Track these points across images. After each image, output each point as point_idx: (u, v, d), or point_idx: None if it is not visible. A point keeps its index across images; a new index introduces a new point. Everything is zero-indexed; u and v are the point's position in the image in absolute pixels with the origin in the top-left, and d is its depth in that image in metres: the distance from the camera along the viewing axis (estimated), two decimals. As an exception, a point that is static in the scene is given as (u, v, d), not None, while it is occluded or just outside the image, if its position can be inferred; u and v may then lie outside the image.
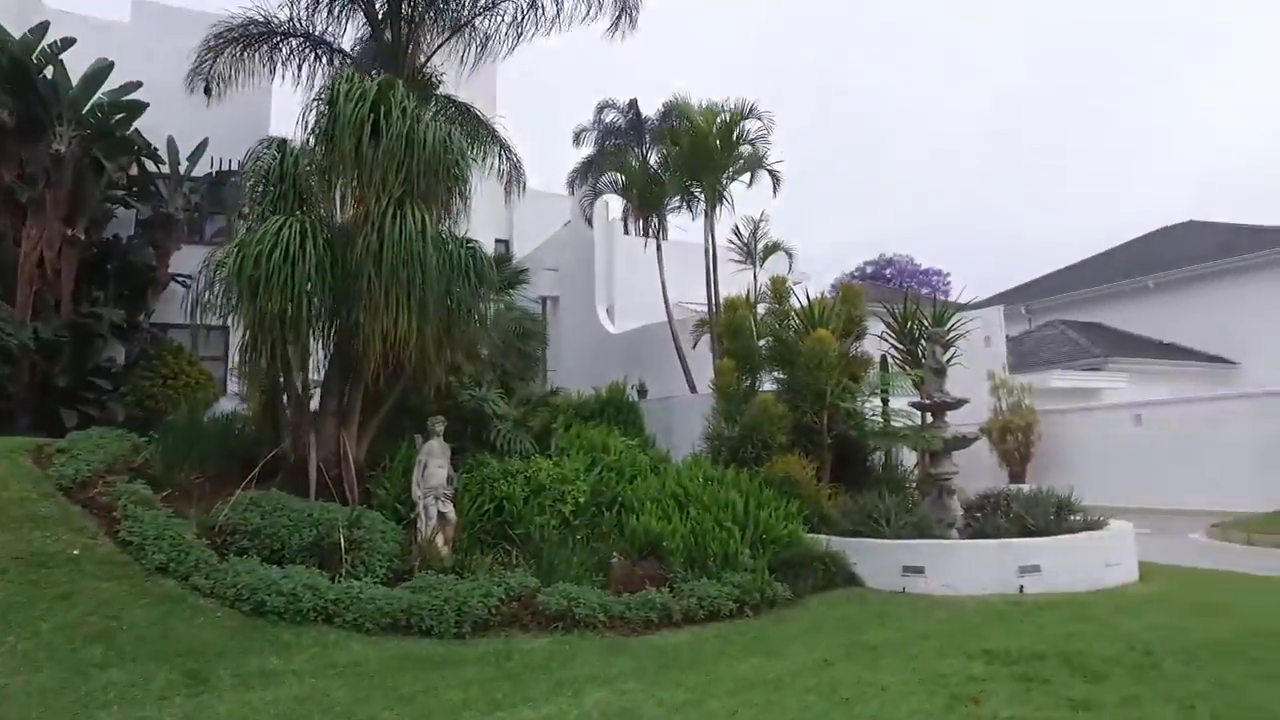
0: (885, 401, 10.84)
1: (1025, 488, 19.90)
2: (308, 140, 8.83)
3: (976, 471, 22.29)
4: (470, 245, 9.14)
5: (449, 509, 8.24)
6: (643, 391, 14.57)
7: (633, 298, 17.98)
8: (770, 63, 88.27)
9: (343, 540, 7.21)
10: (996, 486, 20.83)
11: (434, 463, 8.30)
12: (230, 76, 13.10)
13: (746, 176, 15.90)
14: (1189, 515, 16.37)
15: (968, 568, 7.69)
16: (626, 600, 7.19)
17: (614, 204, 19.64)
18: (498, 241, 24.15)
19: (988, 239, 72.09)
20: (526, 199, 22.69)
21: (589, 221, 16.98)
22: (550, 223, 22.51)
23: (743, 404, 10.00)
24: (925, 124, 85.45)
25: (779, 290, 10.80)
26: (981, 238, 72.64)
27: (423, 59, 13.63)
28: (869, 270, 53.38)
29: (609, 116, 20.42)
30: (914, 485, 10.37)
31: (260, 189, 9.05)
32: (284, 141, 9.22)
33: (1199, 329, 25.38)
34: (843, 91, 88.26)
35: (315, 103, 8.82)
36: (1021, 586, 7.53)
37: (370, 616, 6.32)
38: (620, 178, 14.57)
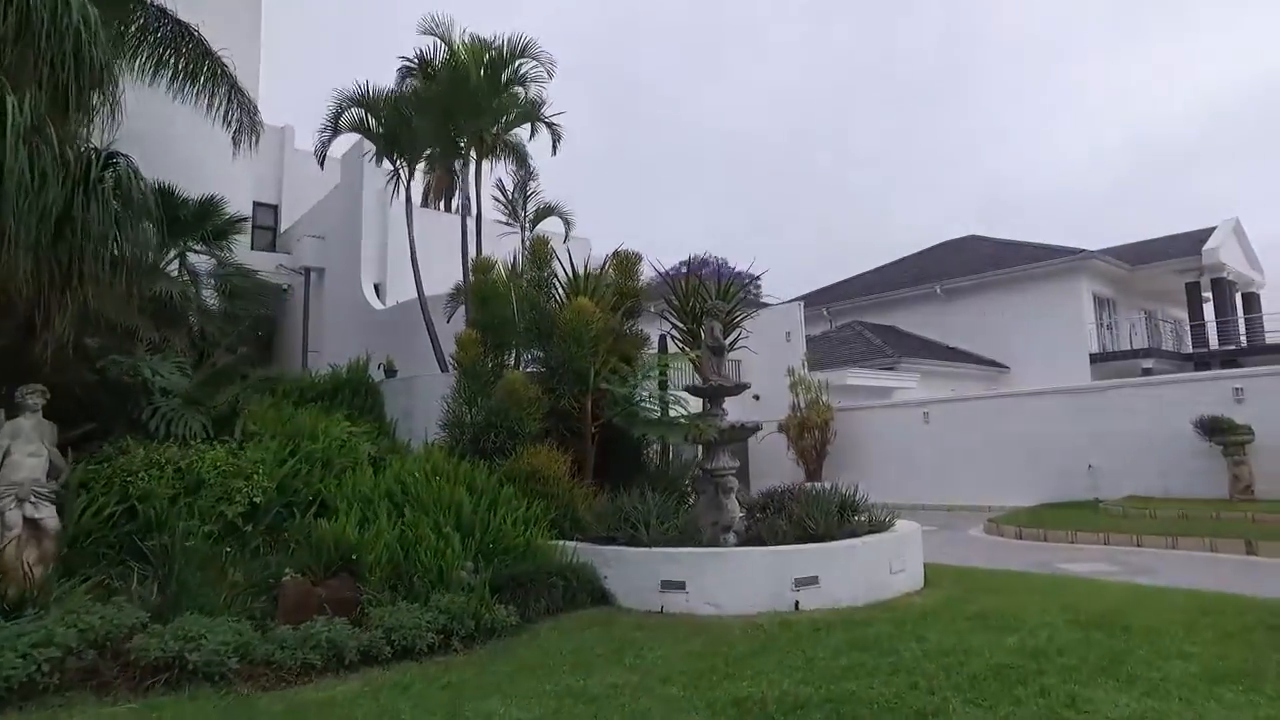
0: (663, 386, 9.50)
1: (821, 485, 19.90)
2: None
3: (775, 469, 22.00)
4: (114, 159, 6.72)
5: (46, 513, 5.84)
6: (390, 371, 12.47)
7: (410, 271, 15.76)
8: (592, 60, 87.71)
9: None
10: (791, 484, 20.58)
11: (22, 450, 5.87)
12: None
13: (525, 129, 14.23)
14: (971, 511, 16.55)
15: (736, 581, 6.35)
16: (283, 637, 5.21)
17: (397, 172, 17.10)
18: (260, 206, 20.94)
19: (803, 248, 75.19)
20: (303, 160, 19.75)
21: (358, 183, 14.45)
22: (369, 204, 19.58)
23: (490, 385, 8.24)
24: (739, 127, 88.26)
25: (540, 253, 9.12)
26: (798, 247, 75.68)
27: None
28: (684, 269, 53.76)
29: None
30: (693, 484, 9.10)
31: None
32: None
33: (978, 334, 26.73)
34: (664, 97, 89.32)
35: None
36: (797, 602, 6.30)
37: None
38: (362, 114, 12.12)
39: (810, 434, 19.26)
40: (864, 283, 33.11)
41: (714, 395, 8.17)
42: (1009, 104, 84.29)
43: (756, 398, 21.87)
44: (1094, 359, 24.42)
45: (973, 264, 28.35)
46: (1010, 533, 12.50)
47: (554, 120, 14.07)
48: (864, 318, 28.72)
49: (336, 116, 11.52)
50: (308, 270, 18.23)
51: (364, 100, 11.33)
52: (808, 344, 27.04)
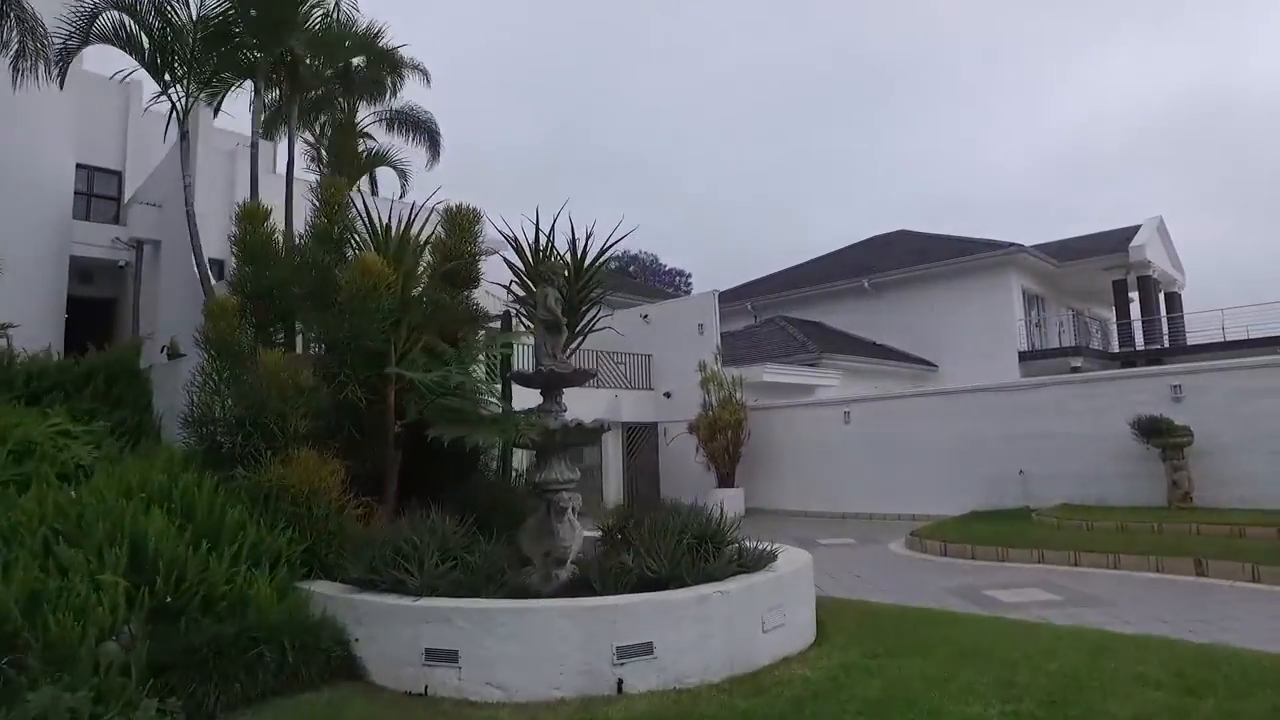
0: (504, 379, 7.51)
1: (731, 493, 18.15)
2: None
3: (684, 475, 20.29)
4: None
5: None
6: (174, 353, 10.11)
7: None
8: (526, 61, 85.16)
9: None
10: (701, 497, 18.74)
11: None
12: None
13: (360, 61, 12.13)
14: (896, 521, 14.99)
15: (533, 651, 4.35)
16: None
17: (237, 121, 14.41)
18: (97, 171, 18.14)
19: (741, 247, 74.13)
20: (158, 123, 17.01)
21: (185, 137, 11.90)
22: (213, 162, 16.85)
23: (250, 368, 6.10)
24: (682, 129, 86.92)
25: (332, 198, 6.96)
26: (736, 246, 74.60)
27: None
28: (613, 265, 52.11)
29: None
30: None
31: None
32: None
33: (907, 332, 25.50)
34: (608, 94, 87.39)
35: None
36: (620, 682, 4.37)
37: None
38: (121, 19, 9.19)
39: (722, 435, 17.49)
40: (790, 277, 31.70)
41: (548, 385, 6.19)
42: (939, 114, 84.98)
43: (667, 395, 20.08)
44: (1023, 357, 23.37)
45: (902, 259, 27.14)
46: (934, 548, 10.88)
47: (405, 55, 11.96)
48: (790, 313, 27.23)
49: (91, 18, 8.89)
50: (139, 243, 15.60)
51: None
52: (729, 339, 25.42)
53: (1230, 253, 61.04)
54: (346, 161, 11.78)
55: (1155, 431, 12.29)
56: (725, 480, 17.67)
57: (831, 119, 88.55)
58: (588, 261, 7.55)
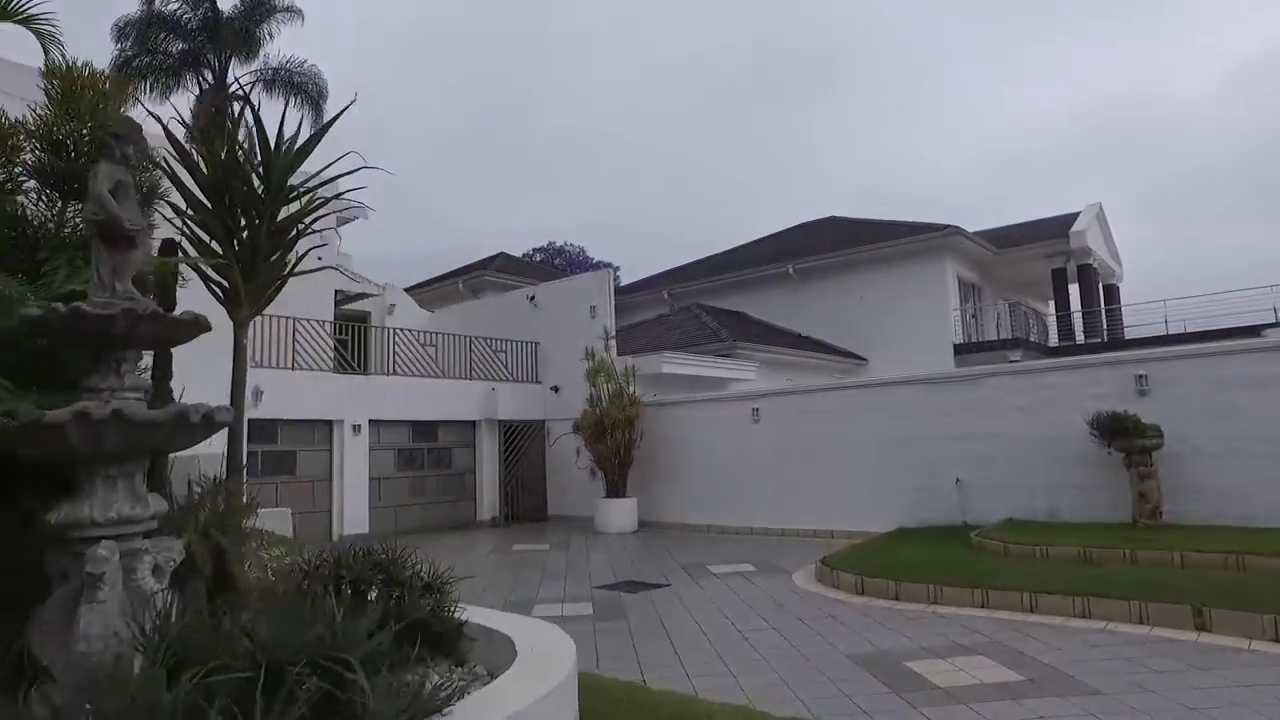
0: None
1: (621, 504, 15.29)
2: None
3: (571, 483, 17.49)
4: None
5: None
6: None
7: None
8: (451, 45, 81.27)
9: None
10: (571, 512, 15.87)
11: None
12: None
13: None
14: (809, 538, 12.46)
15: None
16: None
17: None
18: None
19: (673, 241, 71.78)
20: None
21: None
22: None
23: None
24: (609, 124, 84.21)
25: None
26: (668, 241, 72.27)
27: None
28: (538, 258, 49.22)
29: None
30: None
31: None
32: None
33: (835, 323, 23.22)
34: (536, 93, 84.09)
35: None
36: None
37: None
38: None
39: (611, 436, 14.72)
40: (713, 265, 29.18)
41: (99, 336, 3.22)
42: (878, 110, 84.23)
43: (555, 389, 17.24)
44: (958, 350, 21.27)
45: (831, 244, 24.85)
46: (848, 583, 8.26)
47: None
48: (711, 302, 24.69)
49: None
50: None
51: None
52: (640, 329, 22.77)
53: (1154, 256, 61.33)
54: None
55: (1119, 431, 9.99)
56: (614, 489, 14.92)
57: (763, 115, 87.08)
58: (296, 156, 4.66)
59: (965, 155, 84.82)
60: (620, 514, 14.67)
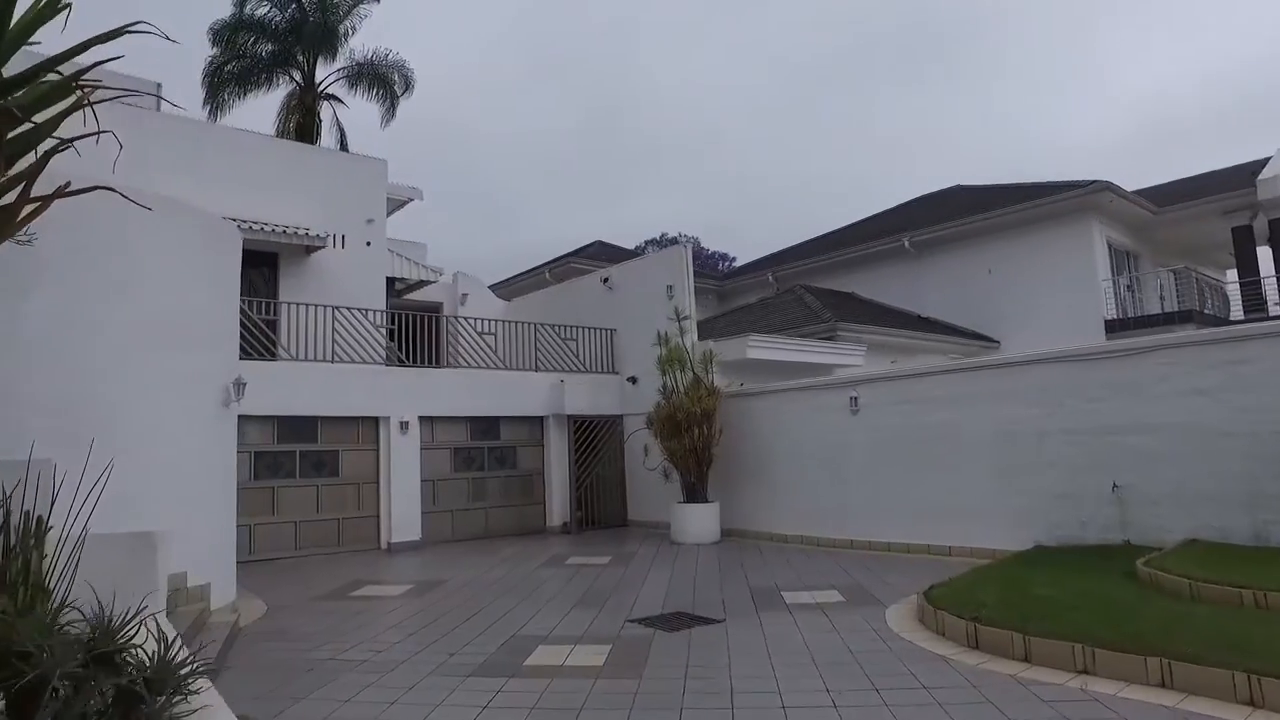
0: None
1: (700, 511, 13.19)
2: None
3: (652, 485, 15.83)
4: None
5: None
6: None
7: None
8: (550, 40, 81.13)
9: None
10: (653, 518, 13.94)
11: None
12: None
13: None
14: (917, 556, 10.15)
15: None
16: None
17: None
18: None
19: (783, 229, 68.80)
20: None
21: None
22: None
23: None
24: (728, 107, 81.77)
25: None
26: (778, 228, 69.36)
27: None
28: (649, 251, 47.86)
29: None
30: None
31: None
32: None
33: (959, 302, 20.28)
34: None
35: None
36: None
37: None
38: None
39: (687, 431, 12.80)
40: (822, 244, 26.59)
41: None
42: (1007, 79, 77.58)
43: (633, 380, 15.46)
44: (1111, 327, 17.92)
45: (954, 214, 21.81)
46: (957, 631, 5.99)
47: None
48: (818, 283, 22.29)
49: None
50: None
51: None
52: (739, 315, 20.73)
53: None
54: None
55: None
56: (692, 493, 12.99)
57: (875, 94, 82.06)
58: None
59: (1109, 123, 76.72)
60: (698, 521, 12.74)
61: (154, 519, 7.05)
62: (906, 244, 21.36)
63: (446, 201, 72.56)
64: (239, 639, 6.99)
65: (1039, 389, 9.67)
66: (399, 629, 7.17)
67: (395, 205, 16.98)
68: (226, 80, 24.54)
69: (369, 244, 14.77)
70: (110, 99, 3.19)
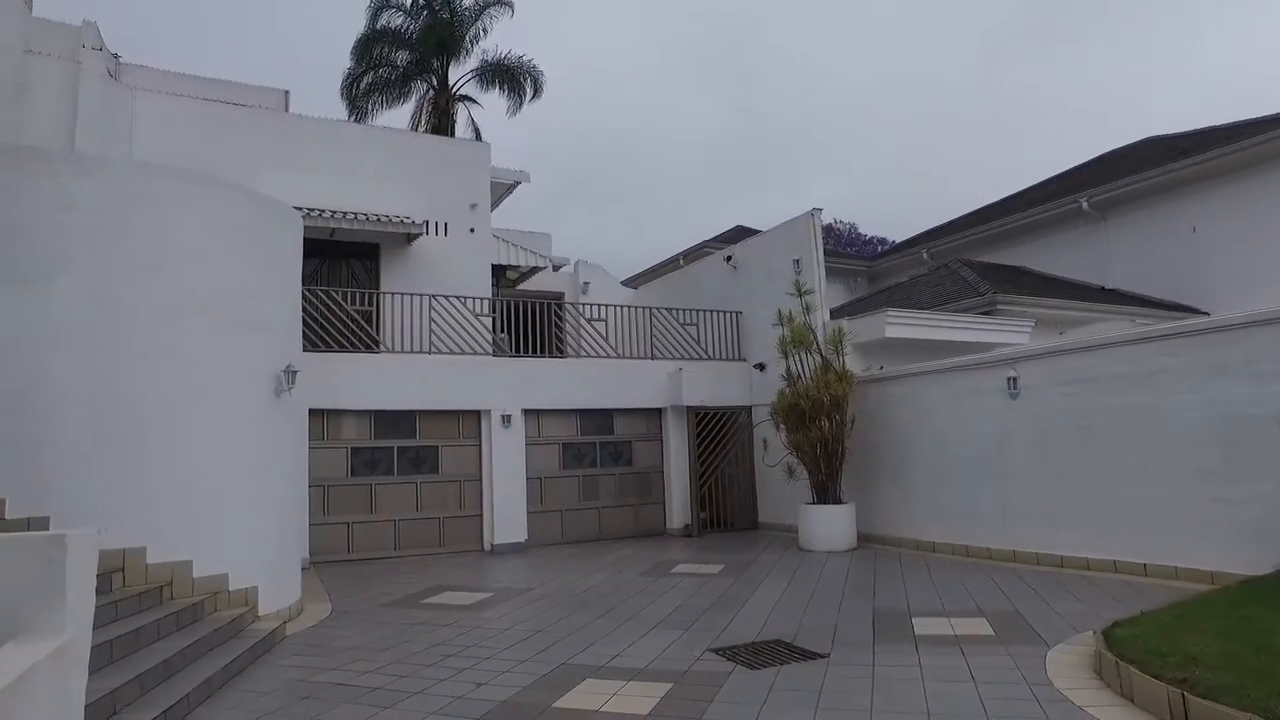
0: None
1: (832, 513, 11.15)
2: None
3: (779, 486, 14.00)
4: None
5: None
6: None
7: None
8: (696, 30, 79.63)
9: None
10: (785, 520, 12.41)
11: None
12: None
13: None
14: (1096, 576, 8.03)
15: None
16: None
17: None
18: None
19: (942, 208, 63.94)
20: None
21: None
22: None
23: None
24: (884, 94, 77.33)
25: None
26: (938, 207, 64.67)
27: None
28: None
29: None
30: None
31: None
32: None
33: (1149, 269, 17.13)
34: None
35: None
36: None
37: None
38: None
39: (815, 423, 11.19)
40: (984, 215, 23.69)
41: None
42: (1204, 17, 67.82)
43: (761, 367, 13.96)
44: (1363, 290, 14.30)
45: (1145, 168, 18.50)
46: (1152, 698, 4.10)
47: None
48: (979, 257, 19.73)
49: None
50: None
51: None
52: (887, 295, 18.60)
53: None
54: None
55: None
56: (822, 492, 11.36)
57: (1047, 55, 74.19)
58: None
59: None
60: (829, 524, 11.10)
61: (187, 519, 6.54)
62: (1085, 205, 18.34)
63: (604, 203, 73.05)
64: (275, 648, 6.31)
65: (1266, 359, 7.32)
66: (443, 647, 6.21)
67: (503, 190, 16.40)
68: (368, 91, 25.35)
69: (472, 230, 14.20)
70: None
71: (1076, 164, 24.43)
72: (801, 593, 8.06)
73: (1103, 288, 17.55)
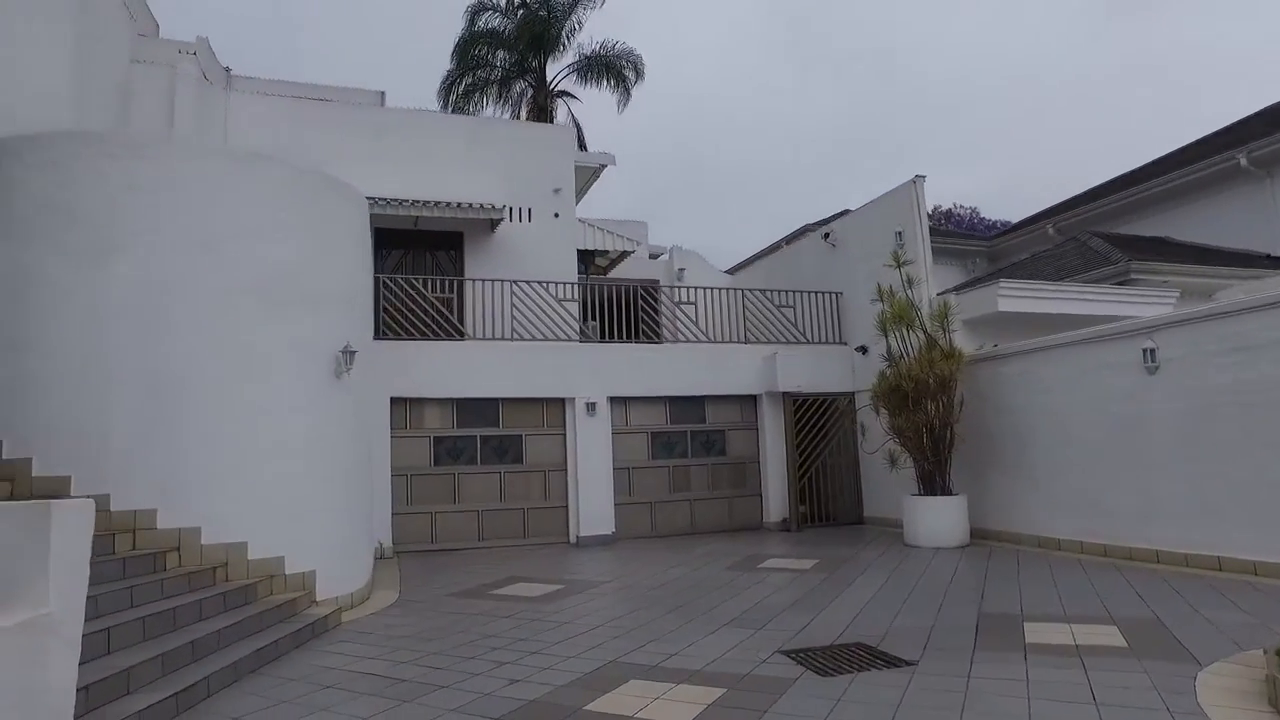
0: None
1: (942, 505, 10.07)
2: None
3: (884, 477, 12.90)
4: None
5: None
6: None
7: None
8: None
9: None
10: (894, 515, 11.44)
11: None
12: None
13: None
14: (1261, 586, 6.71)
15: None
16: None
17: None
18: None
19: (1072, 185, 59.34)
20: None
21: None
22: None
23: None
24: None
25: None
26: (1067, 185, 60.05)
27: None
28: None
29: None
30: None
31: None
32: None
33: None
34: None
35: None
36: None
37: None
38: None
39: (919, 406, 10.20)
40: (1121, 182, 21.44)
41: None
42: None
43: (863, 350, 12.99)
44: None
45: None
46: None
47: None
48: (1113, 229, 17.85)
49: None
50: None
51: None
52: (1008, 273, 17.05)
53: None
54: None
55: None
56: (929, 483, 10.34)
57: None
58: None
59: None
60: (936, 518, 10.08)
61: (242, 500, 6.43)
62: (1243, 161, 16.14)
63: (712, 195, 72.19)
64: (324, 634, 6.09)
65: None
66: (494, 639, 5.81)
67: (589, 174, 16.03)
68: (467, 92, 25.77)
69: (557, 215, 13.90)
70: None
71: (1221, 126, 21.75)
72: (898, 592, 7.20)
73: (1267, 255, 15.41)
